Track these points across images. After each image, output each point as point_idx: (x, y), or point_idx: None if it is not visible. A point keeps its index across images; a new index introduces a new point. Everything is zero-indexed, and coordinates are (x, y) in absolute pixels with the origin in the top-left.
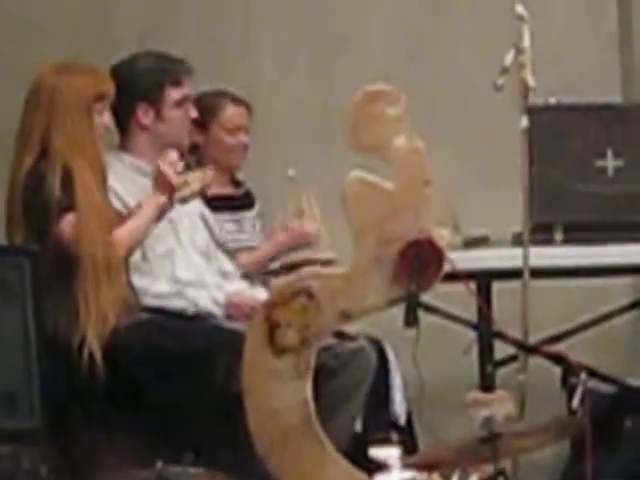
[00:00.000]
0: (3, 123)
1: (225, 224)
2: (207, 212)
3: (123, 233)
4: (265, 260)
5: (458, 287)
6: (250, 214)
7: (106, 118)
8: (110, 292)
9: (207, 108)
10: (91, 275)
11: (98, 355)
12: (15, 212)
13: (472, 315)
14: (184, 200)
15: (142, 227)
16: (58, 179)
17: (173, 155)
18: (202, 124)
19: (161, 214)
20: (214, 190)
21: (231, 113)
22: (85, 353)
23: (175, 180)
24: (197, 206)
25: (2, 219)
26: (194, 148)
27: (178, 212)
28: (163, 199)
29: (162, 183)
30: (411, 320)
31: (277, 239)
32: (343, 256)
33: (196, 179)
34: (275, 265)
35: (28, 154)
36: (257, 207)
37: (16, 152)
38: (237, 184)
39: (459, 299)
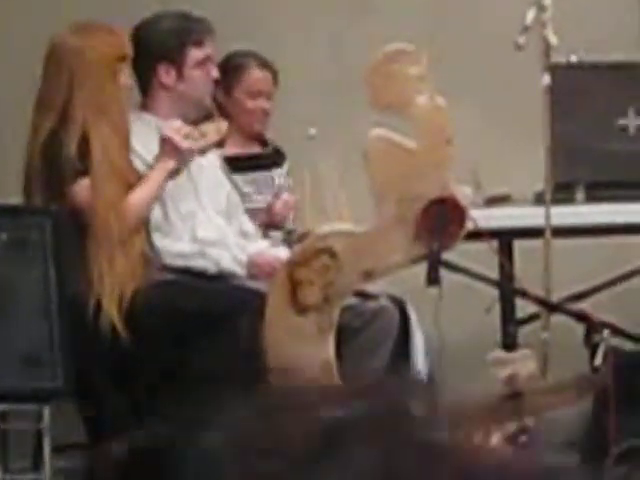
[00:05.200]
0: (25, 84)
1: (248, 183)
2: (224, 166)
3: (134, 200)
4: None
5: (480, 245)
6: (280, 172)
7: (126, 78)
8: (125, 260)
9: (233, 68)
10: (105, 243)
11: (117, 321)
12: (33, 176)
13: (494, 273)
14: (202, 152)
15: (152, 194)
16: (76, 143)
17: (177, 123)
18: (226, 84)
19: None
20: (240, 150)
21: (255, 77)
22: (103, 318)
23: (182, 144)
24: (216, 161)
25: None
26: (217, 107)
27: (198, 171)
28: (171, 164)
29: (169, 149)
30: (433, 278)
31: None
32: (364, 216)
33: (212, 130)
34: (292, 236)
35: (48, 118)
36: (286, 165)
37: (35, 115)
38: (264, 143)
39: (481, 257)
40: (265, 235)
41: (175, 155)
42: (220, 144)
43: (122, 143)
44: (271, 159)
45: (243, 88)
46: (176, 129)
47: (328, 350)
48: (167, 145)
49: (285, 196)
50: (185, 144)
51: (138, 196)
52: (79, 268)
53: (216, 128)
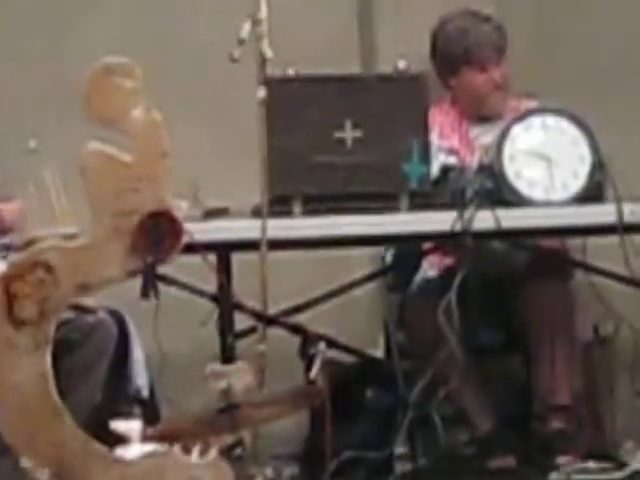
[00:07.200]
0: None
1: None
2: None
3: None
4: None
5: (200, 259)
6: None
7: None
8: None
9: None
10: None
11: None
12: None
13: (214, 286)
14: None
15: None
16: None
17: None
18: None
19: None
20: None
21: None
22: None
23: None
24: None
25: None
26: None
27: None
28: None
29: None
30: (148, 291)
31: None
32: (83, 229)
33: None
34: (16, 241)
35: None
36: None
37: None
38: None
39: (201, 271)
40: None
41: None
42: None
43: None
44: None
45: None
46: None
47: (44, 364)
48: None
49: (16, 202)
50: None
51: None
52: None
53: None
